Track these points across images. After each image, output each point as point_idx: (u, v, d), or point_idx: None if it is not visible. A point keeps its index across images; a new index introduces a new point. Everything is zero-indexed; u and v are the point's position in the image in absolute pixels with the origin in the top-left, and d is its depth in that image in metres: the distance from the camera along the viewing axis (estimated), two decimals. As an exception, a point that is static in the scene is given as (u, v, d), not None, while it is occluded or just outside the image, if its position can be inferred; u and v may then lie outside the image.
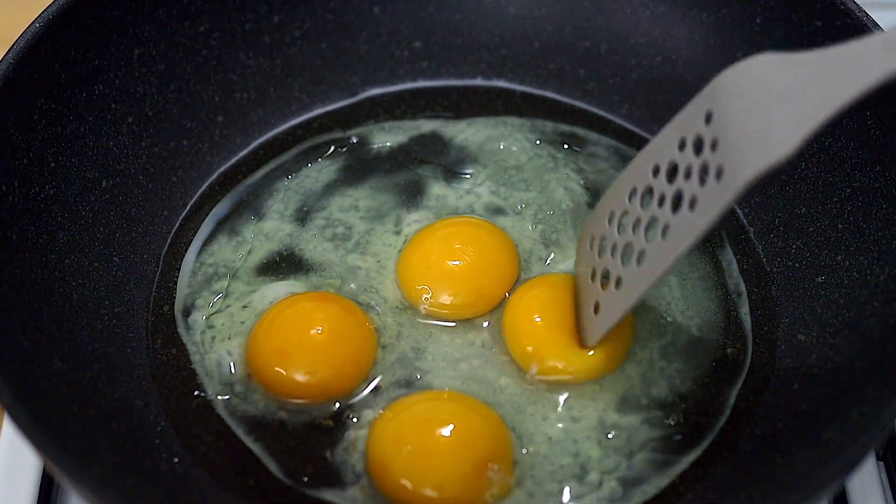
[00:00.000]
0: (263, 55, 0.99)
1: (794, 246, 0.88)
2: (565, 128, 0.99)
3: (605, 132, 0.99)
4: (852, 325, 0.79)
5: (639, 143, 0.97)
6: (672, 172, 0.71)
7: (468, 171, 0.96)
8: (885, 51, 0.58)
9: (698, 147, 0.69)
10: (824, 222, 0.86)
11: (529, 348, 0.82)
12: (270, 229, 0.91)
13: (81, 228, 0.85)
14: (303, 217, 0.92)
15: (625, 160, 0.96)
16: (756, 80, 0.64)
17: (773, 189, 0.90)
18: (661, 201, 0.71)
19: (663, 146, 0.72)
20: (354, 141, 0.98)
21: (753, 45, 0.92)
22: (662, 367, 0.83)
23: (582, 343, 0.81)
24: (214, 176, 0.95)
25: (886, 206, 0.80)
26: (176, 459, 0.77)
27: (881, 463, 0.83)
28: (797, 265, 0.87)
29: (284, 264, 0.89)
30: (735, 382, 0.83)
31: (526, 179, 0.95)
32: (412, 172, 0.96)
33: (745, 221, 0.92)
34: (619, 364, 0.83)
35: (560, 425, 0.80)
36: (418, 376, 0.82)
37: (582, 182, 0.95)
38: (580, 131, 0.99)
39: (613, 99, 1.00)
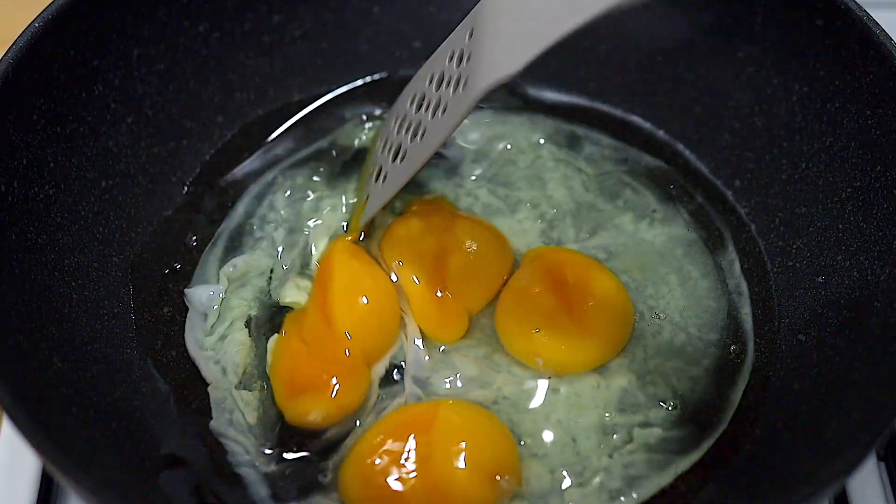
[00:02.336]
0: (263, 55, 0.99)
1: (794, 245, 0.88)
2: (565, 127, 0.99)
3: (606, 131, 0.99)
4: (852, 325, 0.79)
5: (639, 142, 0.97)
6: (441, 82, 0.78)
7: (468, 172, 0.96)
8: None
9: (460, 60, 0.75)
10: (824, 222, 0.86)
11: (526, 343, 0.82)
12: (269, 232, 0.92)
13: (81, 228, 0.85)
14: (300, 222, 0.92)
15: (625, 160, 0.96)
16: (509, 4, 0.68)
17: (773, 189, 0.90)
18: (427, 107, 0.79)
19: (439, 57, 0.79)
20: (354, 141, 0.98)
21: (753, 45, 0.92)
22: (662, 367, 0.83)
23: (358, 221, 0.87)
24: (214, 176, 0.95)
25: (886, 206, 0.80)
26: (176, 459, 0.77)
27: (881, 463, 0.83)
28: (798, 265, 0.87)
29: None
30: (736, 382, 0.83)
31: (527, 178, 0.95)
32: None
33: (746, 220, 0.92)
34: (616, 353, 0.83)
35: (560, 425, 0.80)
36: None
37: (583, 181, 0.95)
38: (580, 131, 0.99)
39: (614, 98, 1.00)
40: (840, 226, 0.84)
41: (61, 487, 0.81)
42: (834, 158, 0.86)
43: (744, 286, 0.88)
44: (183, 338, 0.85)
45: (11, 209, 0.79)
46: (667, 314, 0.86)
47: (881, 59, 0.80)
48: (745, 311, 0.87)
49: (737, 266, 0.89)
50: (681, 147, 0.97)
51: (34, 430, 0.65)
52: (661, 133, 0.98)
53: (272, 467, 0.78)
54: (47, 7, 0.83)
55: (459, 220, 0.90)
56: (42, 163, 0.83)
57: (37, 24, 0.82)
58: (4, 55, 0.80)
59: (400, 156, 0.82)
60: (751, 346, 0.85)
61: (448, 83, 0.76)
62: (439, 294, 0.84)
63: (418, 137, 0.79)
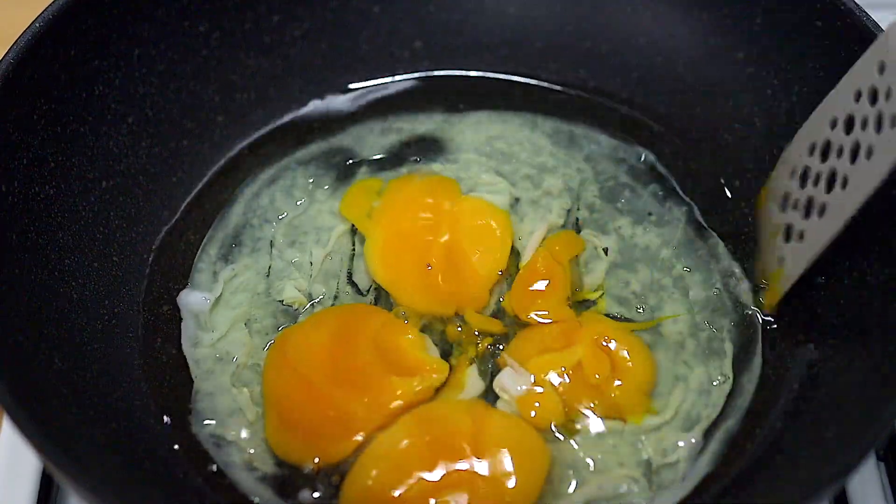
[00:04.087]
0: (263, 55, 0.99)
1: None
2: (565, 127, 0.99)
3: (605, 131, 0.99)
4: (852, 325, 0.79)
5: (638, 142, 0.97)
6: (849, 123, 0.74)
7: (466, 171, 0.96)
8: None
9: (873, 98, 0.71)
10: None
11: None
12: (268, 232, 0.92)
13: (81, 228, 0.85)
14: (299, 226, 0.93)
15: (623, 160, 0.96)
16: None
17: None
18: (839, 154, 0.75)
19: (839, 99, 0.75)
20: (353, 141, 0.98)
21: (753, 45, 0.92)
22: (666, 368, 0.83)
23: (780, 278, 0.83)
24: (214, 176, 0.95)
25: (886, 206, 0.80)
26: (175, 460, 0.77)
27: (881, 463, 0.83)
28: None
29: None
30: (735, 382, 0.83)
31: (529, 177, 0.95)
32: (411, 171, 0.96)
33: (746, 220, 0.91)
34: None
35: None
36: None
37: (582, 181, 0.95)
38: (579, 130, 0.99)
39: (614, 99, 1.00)
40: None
41: (61, 487, 0.81)
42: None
43: (744, 286, 0.88)
44: (181, 337, 0.85)
45: (11, 209, 0.79)
46: (676, 322, 0.86)
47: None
48: (746, 311, 0.87)
49: (737, 267, 0.89)
50: (681, 147, 0.97)
51: (34, 430, 0.65)
52: (660, 133, 0.98)
53: (271, 468, 0.78)
54: (47, 7, 0.83)
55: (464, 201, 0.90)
56: (42, 163, 0.83)
57: (37, 24, 0.82)
58: (4, 55, 0.80)
59: (816, 210, 0.77)
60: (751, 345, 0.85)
61: (867, 124, 0.71)
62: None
63: (837, 187, 0.75)
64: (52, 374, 0.75)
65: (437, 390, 0.81)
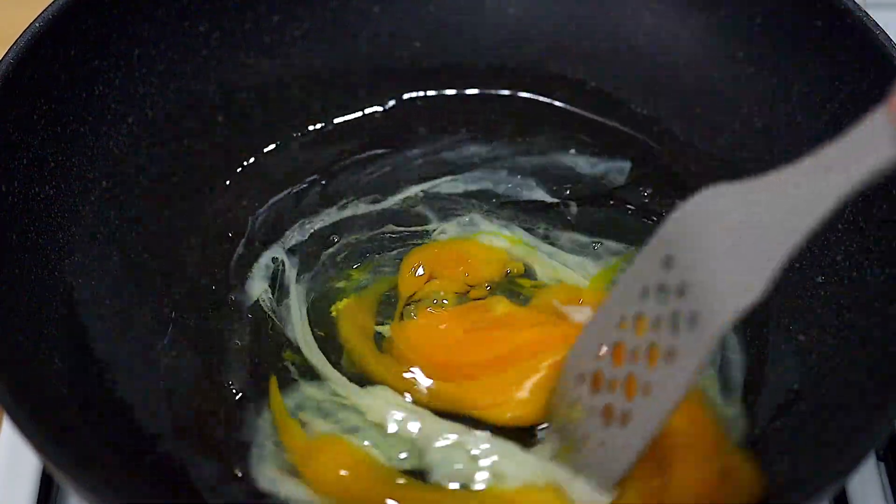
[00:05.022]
0: (263, 55, 0.99)
1: (794, 246, 0.87)
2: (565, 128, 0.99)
3: (605, 132, 0.99)
4: (852, 325, 0.79)
5: (638, 142, 0.97)
6: (638, 323, 0.67)
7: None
8: (844, 160, 0.55)
9: (663, 295, 0.64)
10: (824, 222, 0.85)
11: None
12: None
13: (81, 228, 0.85)
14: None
15: (623, 159, 0.96)
16: (711, 217, 0.61)
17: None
18: (631, 359, 0.67)
19: (624, 296, 0.68)
20: (354, 141, 0.98)
21: (753, 45, 0.92)
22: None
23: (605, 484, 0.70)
24: (214, 176, 0.95)
25: (886, 206, 0.80)
26: (176, 459, 0.77)
27: (881, 463, 0.83)
28: (797, 265, 0.87)
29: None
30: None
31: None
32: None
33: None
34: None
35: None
36: None
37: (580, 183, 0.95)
38: (580, 131, 0.99)
39: (614, 99, 1.00)
40: (840, 226, 0.84)
41: (61, 487, 0.81)
42: (834, 158, 0.85)
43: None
44: (181, 337, 0.85)
45: (11, 209, 0.79)
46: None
47: (881, 60, 0.80)
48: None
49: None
50: (680, 147, 0.97)
51: (34, 430, 0.65)
52: (660, 133, 0.98)
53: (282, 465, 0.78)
54: (47, 7, 0.83)
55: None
56: (42, 163, 0.83)
57: (37, 24, 0.82)
58: (4, 55, 0.80)
59: (617, 419, 0.68)
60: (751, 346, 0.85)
61: (662, 324, 0.64)
62: None
63: (638, 394, 0.66)
64: (52, 374, 0.75)
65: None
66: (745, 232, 0.59)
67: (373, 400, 0.80)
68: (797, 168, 0.58)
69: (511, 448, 0.75)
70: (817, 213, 0.56)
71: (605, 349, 0.70)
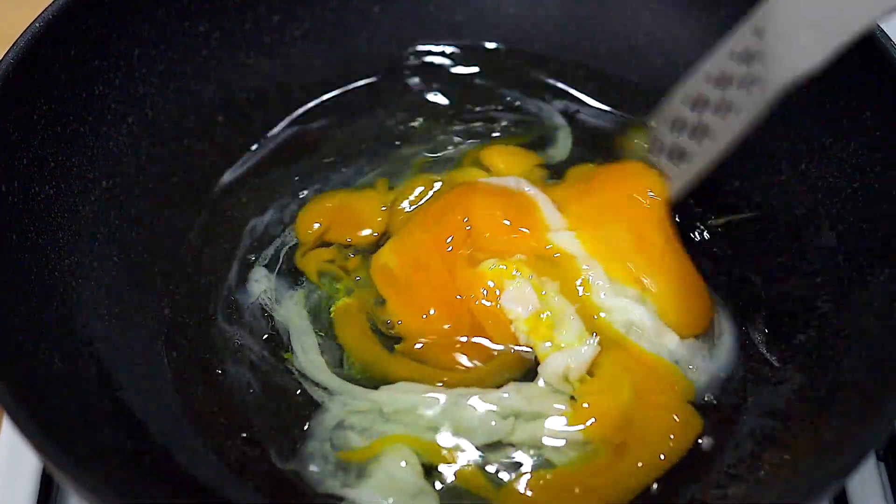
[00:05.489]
0: (263, 55, 0.99)
1: (794, 246, 0.87)
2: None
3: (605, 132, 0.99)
4: (852, 325, 0.79)
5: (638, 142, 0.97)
6: (724, 83, 0.79)
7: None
8: None
9: (748, 60, 0.76)
10: (824, 222, 0.86)
11: None
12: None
13: (81, 228, 0.85)
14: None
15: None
16: (798, 1, 0.71)
17: (773, 189, 0.90)
18: (709, 108, 0.80)
19: (718, 59, 0.80)
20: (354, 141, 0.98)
21: (753, 45, 0.92)
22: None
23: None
24: (214, 176, 0.95)
25: (886, 206, 0.80)
26: (175, 459, 0.77)
27: (881, 463, 0.83)
28: (797, 265, 0.87)
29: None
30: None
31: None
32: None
33: (745, 220, 0.91)
34: None
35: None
36: None
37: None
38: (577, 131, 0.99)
39: (613, 99, 1.00)
40: (840, 226, 0.84)
41: (61, 487, 0.81)
42: (834, 158, 0.86)
43: (744, 286, 0.88)
44: (181, 337, 0.85)
45: (11, 209, 0.79)
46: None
47: (882, 60, 0.80)
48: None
49: (737, 266, 0.89)
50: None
51: (34, 430, 0.65)
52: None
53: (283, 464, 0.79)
54: (47, 7, 0.83)
55: None
56: (42, 163, 0.83)
57: (37, 24, 0.82)
58: (5, 55, 0.80)
59: (678, 156, 0.84)
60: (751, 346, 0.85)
61: (736, 83, 0.77)
62: None
63: (700, 138, 0.81)
64: (52, 374, 0.75)
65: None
66: (819, 12, 0.69)
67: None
68: None
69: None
70: (871, 14, 0.67)
71: (689, 101, 0.84)
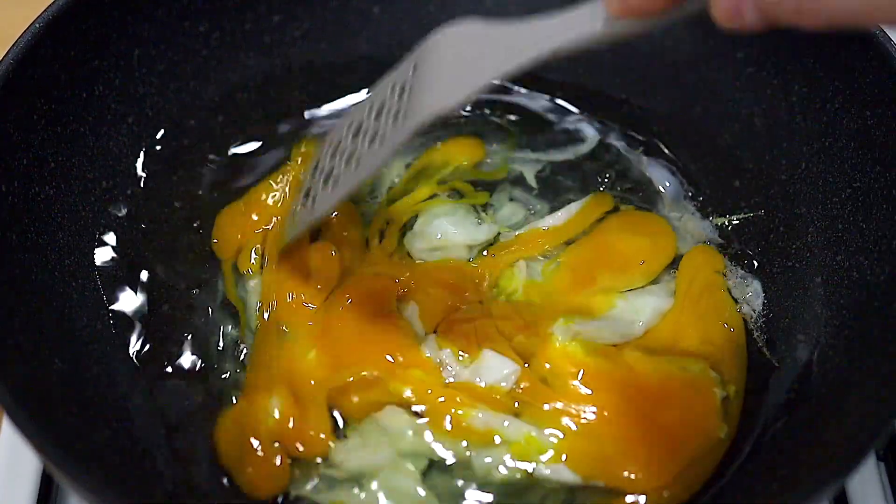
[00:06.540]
0: (263, 55, 0.99)
1: (794, 246, 0.87)
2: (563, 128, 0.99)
3: (604, 134, 0.99)
4: (852, 325, 0.79)
5: (637, 144, 0.97)
6: (380, 113, 0.78)
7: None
8: (562, 26, 0.66)
9: (402, 92, 0.75)
10: (824, 222, 0.86)
11: None
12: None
13: (81, 228, 0.85)
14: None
15: (622, 160, 0.96)
16: (453, 42, 0.71)
17: (773, 189, 0.90)
18: (364, 136, 0.79)
19: (381, 89, 0.79)
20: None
21: (753, 46, 0.92)
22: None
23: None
24: (214, 176, 0.95)
25: (886, 206, 0.80)
26: (175, 459, 0.77)
27: (881, 463, 0.83)
28: (797, 265, 0.87)
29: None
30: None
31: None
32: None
33: (745, 221, 0.92)
34: None
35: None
36: None
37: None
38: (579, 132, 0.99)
39: (612, 99, 1.00)
40: (840, 226, 0.84)
41: (61, 487, 0.81)
42: (834, 158, 0.86)
43: (744, 286, 0.88)
44: (181, 337, 0.84)
45: (11, 209, 0.79)
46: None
47: (881, 60, 0.80)
48: (746, 312, 0.87)
49: (737, 267, 0.89)
50: (680, 147, 0.97)
51: (34, 430, 0.65)
52: (660, 133, 0.98)
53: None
54: (47, 7, 0.83)
55: None
56: (42, 163, 0.83)
57: (37, 25, 0.82)
58: (5, 55, 0.80)
59: (332, 181, 0.81)
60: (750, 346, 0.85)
61: (388, 114, 0.76)
62: None
63: (352, 165, 0.79)
64: (52, 374, 0.75)
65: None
66: (466, 56, 0.69)
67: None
68: (527, 23, 0.68)
69: None
70: (522, 58, 0.67)
71: (352, 128, 0.81)
